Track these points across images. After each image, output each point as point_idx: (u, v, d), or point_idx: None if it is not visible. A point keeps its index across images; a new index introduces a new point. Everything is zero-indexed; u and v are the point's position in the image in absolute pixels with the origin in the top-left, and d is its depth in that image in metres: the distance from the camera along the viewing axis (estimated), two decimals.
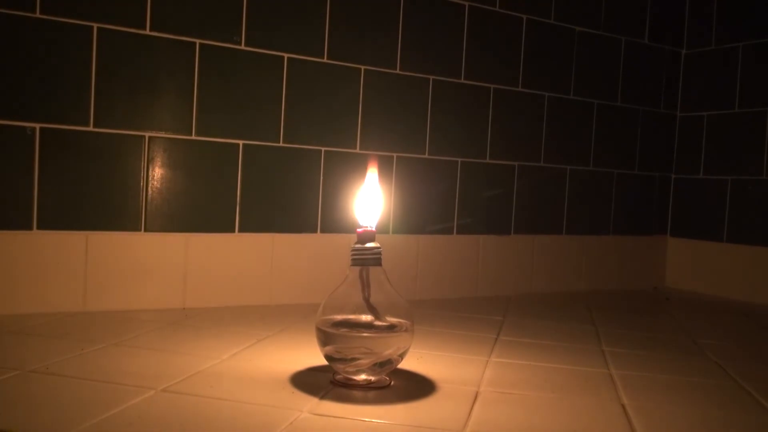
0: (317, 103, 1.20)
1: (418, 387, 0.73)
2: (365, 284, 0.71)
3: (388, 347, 0.70)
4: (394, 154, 1.29)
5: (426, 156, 1.33)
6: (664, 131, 1.69)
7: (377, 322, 0.71)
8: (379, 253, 0.72)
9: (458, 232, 1.37)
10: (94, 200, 1.03)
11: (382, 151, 1.27)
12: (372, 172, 0.76)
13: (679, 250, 1.68)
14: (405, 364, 0.78)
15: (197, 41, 1.09)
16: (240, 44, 1.13)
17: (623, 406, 0.71)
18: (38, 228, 0.99)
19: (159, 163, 1.07)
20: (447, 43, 1.34)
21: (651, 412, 0.69)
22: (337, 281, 0.73)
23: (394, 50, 1.28)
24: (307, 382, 0.72)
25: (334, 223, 1.23)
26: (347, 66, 1.23)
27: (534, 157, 1.47)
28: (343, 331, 0.70)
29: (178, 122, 1.09)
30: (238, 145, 1.14)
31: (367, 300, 0.71)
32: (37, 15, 0.97)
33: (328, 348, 0.71)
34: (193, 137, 1.10)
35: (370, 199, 0.75)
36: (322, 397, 0.67)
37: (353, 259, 0.72)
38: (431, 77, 1.32)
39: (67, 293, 1.01)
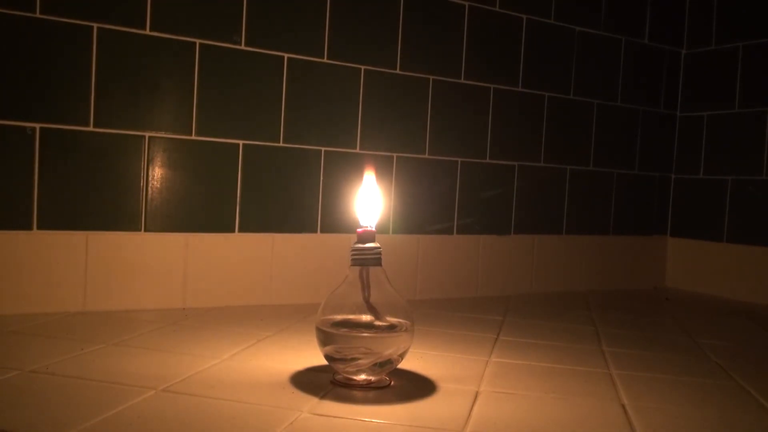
0: (317, 103, 1.20)
1: (418, 387, 0.73)
2: (365, 284, 0.71)
3: (388, 347, 0.70)
4: (394, 154, 1.29)
5: (426, 156, 1.33)
6: (664, 131, 1.69)
7: (377, 322, 0.71)
8: (379, 253, 0.72)
9: (458, 232, 1.37)
10: (94, 200, 1.03)
11: (382, 151, 1.27)
12: (369, 175, 0.76)
13: (679, 250, 1.68)
14: (405, 364, 0.78)
15: (197, 41, 1.09)
16: (240, 44, 1.13)
17: (623, 406, 0.71)
18: (38, 228, 0.99)
19: (159, 163, 1.07)
20: (447, 43, 1.34)
21: (651, 412, 0.69)
22: (337, 281, 0.73)
23: (394, 50, 1.27)
24: (307, 382, 0.72)
25: (334, 223, 1.23)
26: (347, 66, 1.23)
27: (534, 157, 1.47)
28: (343, 331, 0.70)
29: (178, 122, 1.09)
30: (238, 145, 1.14)
31: (367, 300, 0.71)
32: (37, 15, 0.97)
33: (328, 348, 0.71)
34: (193, 137, 1.10)
35: (369, 200, 0.75)
36: (322, 397, 0.67)
37: (353, 259, 0.72)
38: (431, 77, 1.32)
39: (67, 293, 1.01)
